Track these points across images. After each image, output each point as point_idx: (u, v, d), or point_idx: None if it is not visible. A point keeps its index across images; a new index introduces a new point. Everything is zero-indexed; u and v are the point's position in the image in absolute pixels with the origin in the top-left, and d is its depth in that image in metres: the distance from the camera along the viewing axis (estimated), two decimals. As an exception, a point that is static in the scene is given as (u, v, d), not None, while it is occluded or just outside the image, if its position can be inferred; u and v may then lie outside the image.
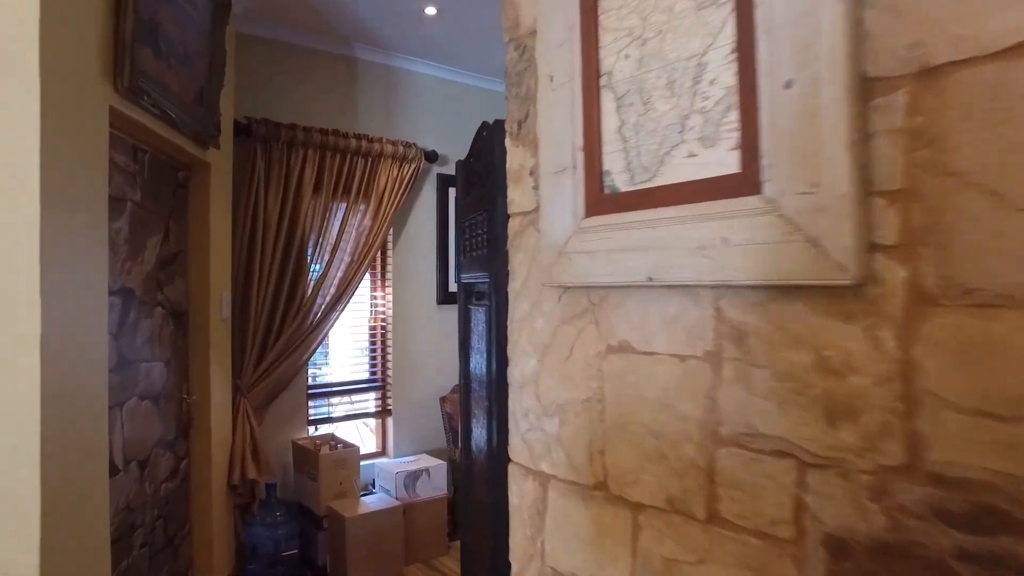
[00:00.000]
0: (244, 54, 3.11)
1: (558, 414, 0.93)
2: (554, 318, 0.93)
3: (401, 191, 3.62)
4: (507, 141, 1.04)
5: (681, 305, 0.76)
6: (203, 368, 2.62)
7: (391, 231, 3.71)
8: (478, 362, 1.31)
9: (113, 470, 1.88)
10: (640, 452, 0.81)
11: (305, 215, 3.27)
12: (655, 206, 0.75)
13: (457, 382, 3.97)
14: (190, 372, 2.60)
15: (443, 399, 3.77)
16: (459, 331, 1.48)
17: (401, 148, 3.59)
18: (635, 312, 0.82)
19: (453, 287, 4.01)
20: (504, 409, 1.04)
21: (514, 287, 1.02)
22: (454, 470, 3.54)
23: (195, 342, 2.61)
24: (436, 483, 3.42)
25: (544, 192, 0.90)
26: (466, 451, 1.43)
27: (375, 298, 3.83)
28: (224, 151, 2.73)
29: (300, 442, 3.29)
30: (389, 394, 3.80)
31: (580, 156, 0.84)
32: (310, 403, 3.52)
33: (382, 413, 3.83)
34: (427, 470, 3.39)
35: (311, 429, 3.53)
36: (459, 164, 1.52)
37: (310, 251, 3.32)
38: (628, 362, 0.83)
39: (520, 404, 1.00)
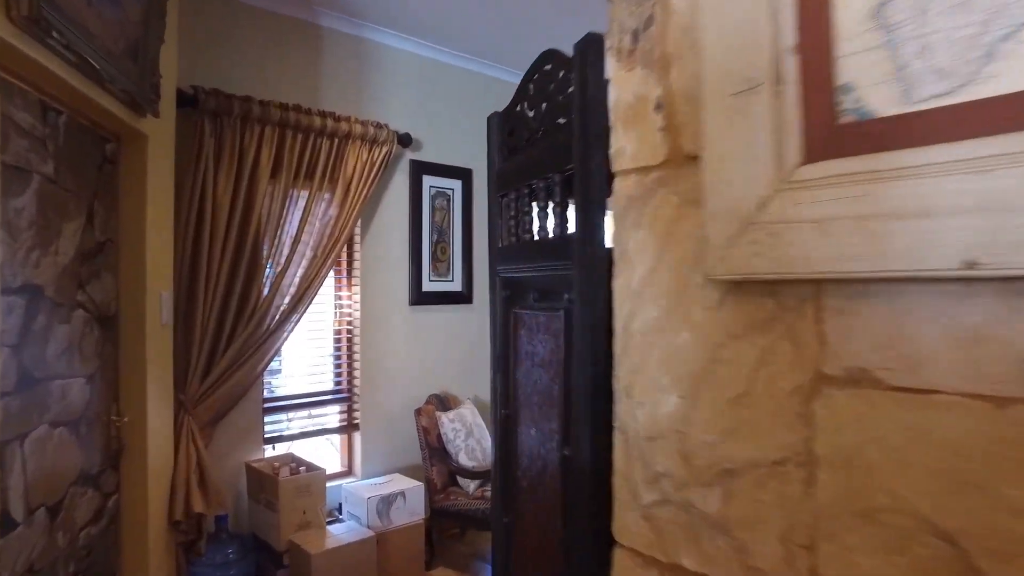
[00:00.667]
0: (192, 13, 2.64)
1: (721, 482, 0.59)
2: (714, 330, 0.59)
3: (371, 177, 3.21)
4: (611, 65, 0.70)
5: (999, 313, 0.44)
6: (138, 383, 2.15)
7: (359, 223, 3.30)
8: (536, 388, 0.94)
9: (8, 524, 1.43)
10: (905, 558, 0.48)
11: (261, 202, 2.81)
12: (976, 135, 0.42)
13: (433, 392, 3.59)
14: (120, 388, 2.13)
15: (418, 411, 3.37)
16: (494, 342, 1.11)
17: (372, 129, 3.18)
18: (883, 321, 0.49)
19: (428, 286, 3.63)
20: (599, 465, 0.70)
21: (628, 282, 0.68)
22: (432, 492, 3.16)
23: (127, 352, 2.14)
24: (412, 507, 3.02)
25: (710, 128, 0.56)
26: (506, 504, 1.06)
27: (340, 299, 3.40)
28: (165, 122, 2.27)
29: (255, 465, 2.84)
30: (356, 407, 3.37)
31: (792, 62, 0.50)
32: (266, 419, 3.07)
33: (348, 428, 3.40)
34: (402, 493, 3.00)
35: (267, 449, 3.08)
36: (494, 117, 1.15)
37: (267, 244, 2.87)
38: (870, 404, 0.50)
39: (644, 464, 0.65)
